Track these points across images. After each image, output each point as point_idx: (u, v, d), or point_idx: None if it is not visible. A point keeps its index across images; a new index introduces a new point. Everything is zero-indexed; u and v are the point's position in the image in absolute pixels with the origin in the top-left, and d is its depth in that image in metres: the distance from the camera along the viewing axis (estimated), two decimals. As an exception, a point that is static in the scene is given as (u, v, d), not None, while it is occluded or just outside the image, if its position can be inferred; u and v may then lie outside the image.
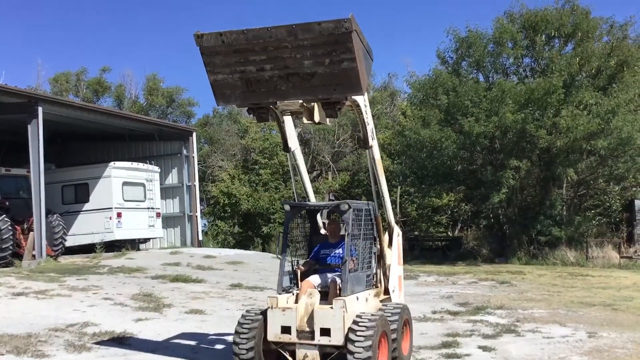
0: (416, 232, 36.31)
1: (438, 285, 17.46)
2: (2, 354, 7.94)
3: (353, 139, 42.11)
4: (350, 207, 7.54)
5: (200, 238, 26.75)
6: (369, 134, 7.54)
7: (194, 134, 26.77)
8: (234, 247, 30.23)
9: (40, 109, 18.38)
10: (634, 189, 26.86)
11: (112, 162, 22.16)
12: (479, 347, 8.92)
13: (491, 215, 28.83)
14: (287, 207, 8.04)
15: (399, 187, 33.44)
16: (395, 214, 32.80)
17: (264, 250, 30.10)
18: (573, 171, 24.52)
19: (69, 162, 24.42)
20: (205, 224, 35.28)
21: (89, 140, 26.54)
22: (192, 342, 9.29)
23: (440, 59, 28.38)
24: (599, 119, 23.04)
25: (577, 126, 22.82)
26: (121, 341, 9.16)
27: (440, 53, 28.15)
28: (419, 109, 29.00)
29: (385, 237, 8.67)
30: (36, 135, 18.22)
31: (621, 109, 23.33)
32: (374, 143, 7.74)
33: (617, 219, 28.47)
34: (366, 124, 7.47)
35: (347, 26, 5.86)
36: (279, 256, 7.82)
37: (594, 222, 27.27)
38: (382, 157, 30.52)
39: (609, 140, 23.18)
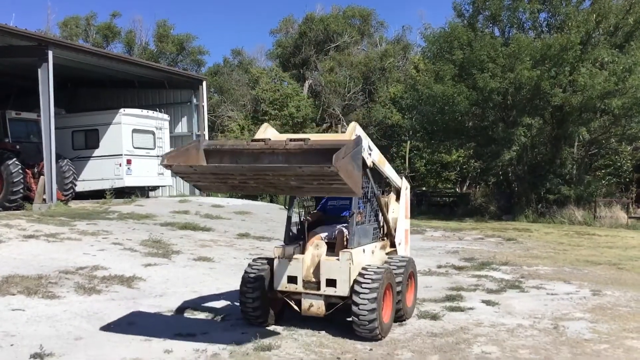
0: (424, 188, 36.34)
1: (444, 241, 17.56)
2: (13, 294, 8.09)
3: (364, 92, 41.79)
4: (359, 160, 7.49)
5: (209, 187, 26.82)
6: (367, 155, 7.04)
7: (204, 83, 26.57)
8: (242, 197, 30.37)
9: (50, 53, 18.25)
10: (646, 149, 26.69)
11: (122, 109, 22.12)
12: (483, 302, 9.00)
13: (500, 173, 28.75)
14: (296, 158, 8.00)
15: (409, 142, 33.34)
16: (403, 169, 32.61)
17: (271, 201, 30.24)
18: (585, 130, 24.28)
19: (79, 107, 24.40)
20: (214, 174, 35.39)
21: (99, 86, 26.43)
22: (200, 289, 9.42)
23: (456, 11, 27.85)
24: (615, 78, 22.67)
25: (594, 84, 22.47)
26: (130, 285, 9.31)
27: (457, 5, 27.61)
28: (433, 63, 28.61)
29: (391, 208, 8.63)
30: (46, 80, 18.14)
31: (638, 67, 22.90)
32: (373, 157, 7.32)
33: (627, 180, 28.35)
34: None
35: (331, 170, 5.36)
36: (286, 207, 7.84)
37: (603, 181, 27.17)
38: (392, 111, 30.25)
39: (624, 99, 22.85)
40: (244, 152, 6.30)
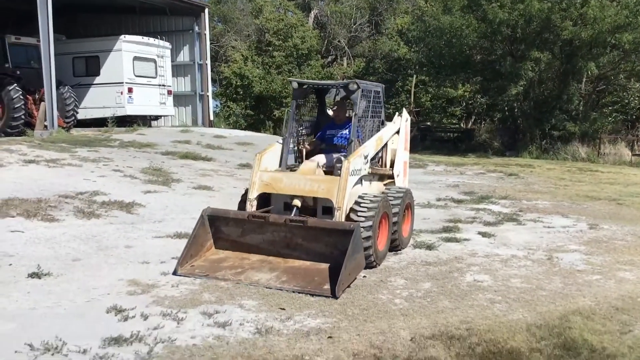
0: (428, 123, 36.10)
1: (445, 175, 17.54)
2: (13, 216, 8.16)
3: (371, 23, 40.88)
4: (359, 87, 7.38)
5: (212, 118, 26.70)
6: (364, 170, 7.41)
7: (207, 10, 25.94)
8: (245, 129, 30.28)
9: (48, -24, 17.77)
10: (654, 86, 26.27)
11: (123, 36, 21.70)
12: (479, 233, 9.06)
13: (506, 108, 28.45)
14: (294, 85, 7.89)
15: (415, 76, 32.86)
16: (409, 104, 32.28)
17: (275, 133, 30.15)
18: (594, 65, 23.82)
19: (79, 34, 23.93)
20: (217, 105, 35.17)
21: (99, 12, 25.85)
22: (199, 216, 9.46)
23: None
24: (627, 11, 22.04)
25: (604, 18, 21.88)
26: (130, 211, 9.38)
27: None
28: (441, -8, 27.85)
29: (391, 140, 8.60)
30: (45, 4, 17.74)
31: (652, 1, 22.27)
32: (369, 160, 7.57)
33: (634, 117, 28.04)
34: None
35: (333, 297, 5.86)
36: (285, 134, 7.76)
37: (610, 118, 26.88)
38: (399, 44, 29.55)
39: (635, 34, 22.31)
40: (246, 221, 6.76)
